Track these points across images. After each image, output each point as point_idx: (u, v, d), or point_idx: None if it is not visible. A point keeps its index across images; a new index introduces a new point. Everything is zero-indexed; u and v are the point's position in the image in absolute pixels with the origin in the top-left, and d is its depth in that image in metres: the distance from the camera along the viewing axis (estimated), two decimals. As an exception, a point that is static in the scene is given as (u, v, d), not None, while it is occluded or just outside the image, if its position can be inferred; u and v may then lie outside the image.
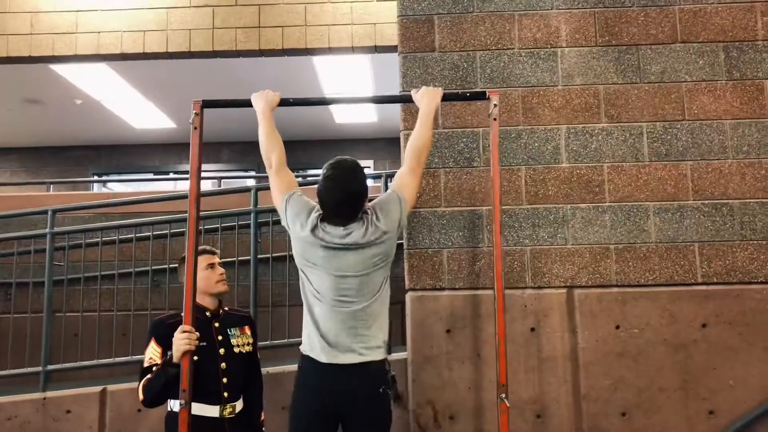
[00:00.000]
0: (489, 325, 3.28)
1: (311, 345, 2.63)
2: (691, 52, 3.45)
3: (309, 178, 9.23)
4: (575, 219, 3.37)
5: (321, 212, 2.64)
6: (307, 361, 2.63)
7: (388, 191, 2.78)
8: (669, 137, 3.40)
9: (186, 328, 2.58)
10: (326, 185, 2.58)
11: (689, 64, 3.44)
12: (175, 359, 2.57)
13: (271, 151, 2.77)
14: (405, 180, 2.76)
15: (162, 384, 2.62)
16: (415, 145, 2.78)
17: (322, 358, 2.58)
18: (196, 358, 2.61)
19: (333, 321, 2.59)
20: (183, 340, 2.55)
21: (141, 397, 2.69)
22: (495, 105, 2.79)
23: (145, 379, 2.68)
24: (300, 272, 2.71)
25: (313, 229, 2.60)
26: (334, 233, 2.59)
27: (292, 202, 2.69)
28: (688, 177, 3.37)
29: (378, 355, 2.61)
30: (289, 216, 2.68)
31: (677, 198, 3.36)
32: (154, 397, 2.67)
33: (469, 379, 3.28)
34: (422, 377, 3.29)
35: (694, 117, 3.41)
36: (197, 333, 2.61)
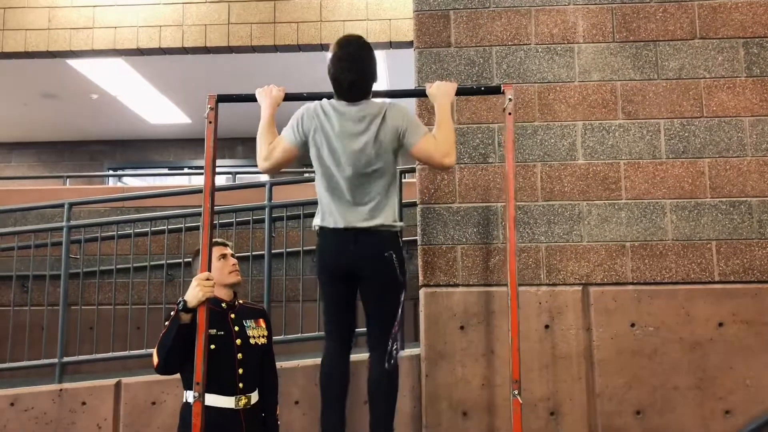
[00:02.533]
0: (503, 321, 3.26)
1: (323, 215, 2.78)
2: (710, 48, 3.41)
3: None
4: (591, 216, 3.34)
5: (322, 102, 2.78)
6: (321, 231, 2.81)
7: (411, 120, 2.81)
8: (687, 134, 3.37)
9: (206, 275, 2.63)
10: (338, 66, 2.72)
11: (708, 60, 3.41)
12: (190, 305, 2.58)
13: (263, 145, 2.82)
14: (426, 143, 2.75)
15: (174, 333, 2.60)
16: (445, 144, 2.76)
17: (333, 224, 2.74)
18: (212, 347, 2.62)
19: (344, 186, 2.72)
20: (203, 282, 2.60)
21: (155, 360, 2.68)
22: (510, 99, 2.77)
23: (159, 338, 2.68)
24: (315, 170, 2.81)
25: (327, 116, 2.74)
26: (347, 111, 2.73)
27: (298, 123, 2.80)
28: (705, 174, 3.34)
29: (387, 219, 2.74)
30: (305, 130, 2.78)
31: (694, 195, 3.33)
32: (167, 352, 2.63)
33: (482, 376, 3.27)
34: (435, 373, 3.29)
35: (712, 114, 3.37)
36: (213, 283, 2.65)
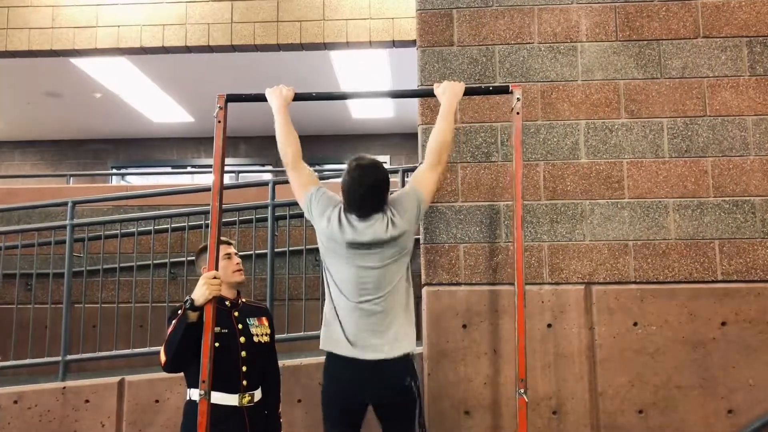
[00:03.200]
0: (506, 320, 3.27)
1: (335, 340, 2.67)
2: (713, 47, 3.41)
3: (325, 173, 9.28)
4: (594, 215, 3.34)
5: (343, 204, 2.70)
6: (331, 356, 2.70)
7: (407, 186, 2.81)
8: (690, 133, 3.37)
9: (213, 273, 2.62)
10: (351, 178, 2.64)
11: (711, 59, 3.40)
12: (198, 303, 2.58)
13: (287, 147, 2.83)
14: (424, 177, 2.80)
15: (182, 332, 2.60)
16: (436, 142, 2.80)
17: (346, 353, 2.63)
18: (216, 344, 2.63)
19: (355, 318, 2.64)
20: (210, 280, 2.59)
21: (162, 358, 2.68)
22: (518, 99, 2.78)
23: (167, 337, 2.69)
24: (323, 263, 2.77)
25: (340, 226, 2.67)
26: (358, 227, 2.65)
27: (318, 199, 2.77)
28: (708, 173, 3.34)
29: (401, 350, 2.64)
30: (315, 213, 2.76)
31: (697, 194, 3.33)
32: (175, 350, 2.63)
33: (485, 375, 3.28)
34: (438, 372, 3.29)
35: (715, 113, 3.37)
36: (220, 282, 2.64)
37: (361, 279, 2.65)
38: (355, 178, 2.63)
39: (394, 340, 2.63)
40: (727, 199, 3.32)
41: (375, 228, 2.64)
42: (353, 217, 2.67)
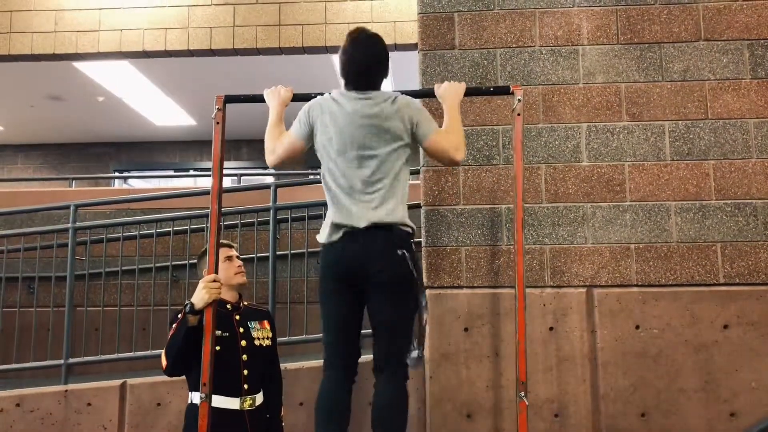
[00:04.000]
0: (507, 323, 3.27)
1: (329, 230, 2.62)
2: (714, 50, 3.41)
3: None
4: (595, 218, 3.34)
5: (344, 80, 2.72)
6: (326, 246, 2.64)
7: (432, 120, 2.75)
8: (691, 136, 3.37)
9: (212, 277, 2.62)
10: (351, 50, 2.69)
11: (713, 62, 3.40)
12: (197, 307, 2.59)
13: (274, 139, 2.77)
14: (439, 137, 2.71)
15: (183, 336, 2.61)
16: (455, 139, 2.73)
17: (339, 220, 2.59)
18: (217, 348, 2.64)
19: (348, 195, 2.61)
20: (210, 284, 2.59)
21: (164, 362, 2.68)
22: (519, 100, 2.78)
23: (167, 341, 2.69)
24: (323, 175, 2.71)
25: (337, 104, 2.67)
26: (356, 101, 2.65)
27: (305, 125, 2.73)
28: (710, 176, 3.34)
29: (392, 217, 2.59)
30: (314, 133, 2.72)
31: (699, 197, 3.33)
32: (176, 354, 2.63)
33: (487, 378, 3.27)
34: (440, 375, 3.29)
35: (717, 116, 3.37)
36: (220, 285, 2.64)
37: (354, 132, 2.62)
38: (354, 49, 2.68)
39: (386, 207, 2.58)
40: (729, 201, 3.31)
41: (371, 103, 2.64)
42: (352, 94, 2.68)
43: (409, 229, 2.65)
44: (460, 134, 2.75)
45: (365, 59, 2.69)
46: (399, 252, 2.56)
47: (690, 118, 3.38)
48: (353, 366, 2.65)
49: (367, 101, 2.66)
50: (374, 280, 2.56)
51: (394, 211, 2.60)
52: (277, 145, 2.75)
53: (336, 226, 2.61)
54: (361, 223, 2.56)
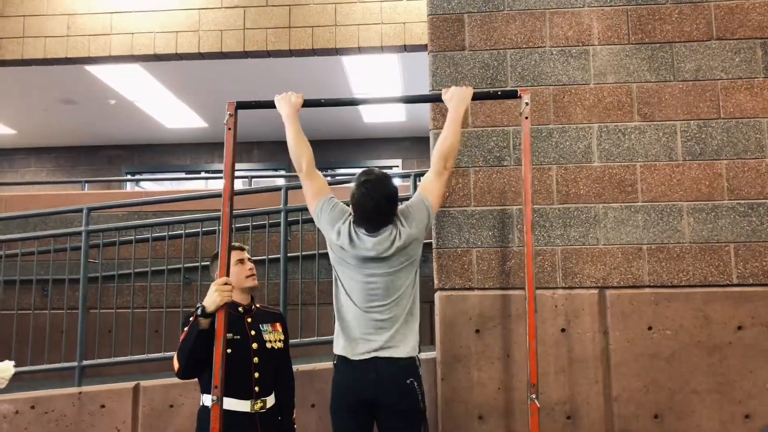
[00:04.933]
0: (519, 325, 3.26)
1: (342, 345, 2.72)
2: (726, 49, 3.39)
3: (337, 177, 9.30)
4: (607, 219, 3.33)
5: (353, 217, 2.73)
6: (340, 359, 2.73)
7: (415, 196, 2.85)
8: (703, 136, 3.35)
9: (224, 280, 2.64)
10: (361, 193, 2.66)
11: (725, 61, 3.38)
12: (209, 310, 2.59)
13: (300, 155, 2.85)
14: (431, 184, 2.83)
15: (194, 339, 2.62)
16: (441, 149, 2.83)
17: (352, 355, 2.67)
18: (229, 351, 2.64)
19: (363, 322, 2.68)
20: (221, 287, 2.61)
21: (176, 366, 2.69)
22: (527, 103, 2.78)
23: (179, 344, 2.70)
24: (333, 271, 2.80)
25: (350, 238, 2.70)
26: (367, 241, 2.68)
27: (327, 209, 2.79)
28: (723, 176, 3.31)
29: (405, 352, 2.67)
30: (324, 222, 2.79)
31: (712, 198, 3.30)
32: (188, 357, 2.64)
33: (498, 380, 3.27)
34: (451, 377, 3.29)
35: (729, 115, 3.35)
36: (232, 287, 2.66)
37: (369, 286, 2.69)
38: (364, 194, 2.65)
39: (398, 343, 2.66)
40: (742, 202, 3.29)
41: (383, 242, 2.67)
42: (362, 231, 2.70)
43: (417, 357, 2.72)
44: (452, 142, 2.82)
45: (375, 208, 2.67)
46: (408, 382, 2.65)
47: (702, 118, 3.36)
48: None
49: (376, 246, 2.68)
50: (385, 411, 2.65)
51: (404, 345, 2.67)
52: (312, 176, 2.85)
53: (347, 357, 2.70)
54: (372, 356, 2.65)
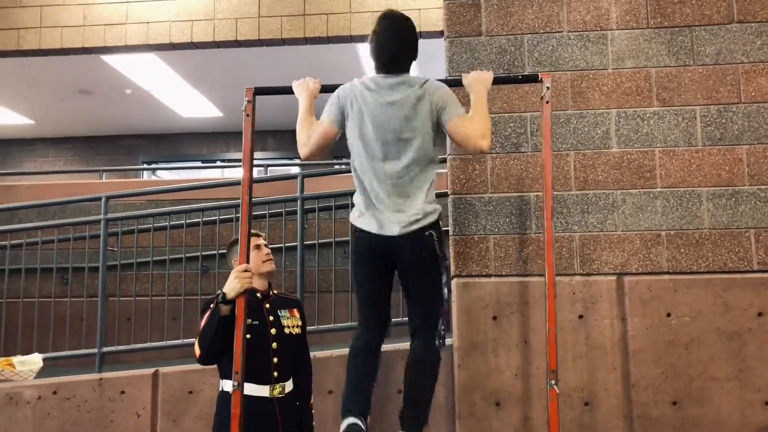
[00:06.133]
0: (536, 312, 3.25)
1: (359, 210, 2.74)
2: (748, 32, 3.34)
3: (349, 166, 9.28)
4: (626, 205, 3.31)
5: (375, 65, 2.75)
6: (357, 224, 2.74)
7: (458, 105, 2.74)
8: (724, 121, 3.31)
9: (244, 266, 2.66)
10: (380, 38, 2.70)
11: (746, 44, 3.33)
12: (229, 296, 2.62)
13: (303, 132, 2.78)
14: (463, 122, 2.69)
15: (215, 325, 2.64)
16: (477, 127, 2.69)
17: (372, 222, 2.68)
18: (248, 336, 2.66)
19: (378, 185, 2.67)
20: (241, 273, 2.64)
21: (197, 352, 2.72)
22: (548, 87, 2.75)
23: (200, 330, 2.73)
24: (352, 162, 2.77)
25: (368, 89, 2.70)
26: (383, 84, 2.69)
27: (337, 109, 2.76)
28: (743, 161, 3.28)
29: (425, 211, 2.67)
30: (335, 115, 2.76)
31: (732, 183, 3.27)
32: (209, 343, 2.67)
33: (516, 366, 3.27)
34: (468, 363, 3.29)
35: (750, 99, 3.31)
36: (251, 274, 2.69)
37: (384, 117, 2.65)
38: (384, 36, 2.69)
39: (416, 205, 2.66)
40: (763, 187, 3.25)
41: (404, 79, 2.69)
42: (380, 77, 2.71)
43: (437, 214, 2.72)
44: (485, 122, 2.70)
45: (394, 43, 2.71)
46: (427, 233, 2.66)
47: (722, 103, 3.32)
48: (385, 322, 2.81)
49: (394, 85, 2.69)
50: (404, 259, 2.68)
51: (423, 203, 2.67)
52: (311, 134, 2.75)
53: (365, 217, 2.71)
54: (392, 225, 2.66)
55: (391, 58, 2.71)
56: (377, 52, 2.73)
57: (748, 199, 3.25)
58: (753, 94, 3.30)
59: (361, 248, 2.75)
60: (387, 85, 2.70)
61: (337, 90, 2.81)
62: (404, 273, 2.73)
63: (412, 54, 2.77)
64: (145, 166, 11.08)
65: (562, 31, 3.43)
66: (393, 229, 2.64)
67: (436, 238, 2.68)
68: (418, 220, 2.65)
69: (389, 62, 2.71)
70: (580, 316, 3.25)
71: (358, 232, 2.74)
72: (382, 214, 2.67)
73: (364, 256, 2.75)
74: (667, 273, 3.25)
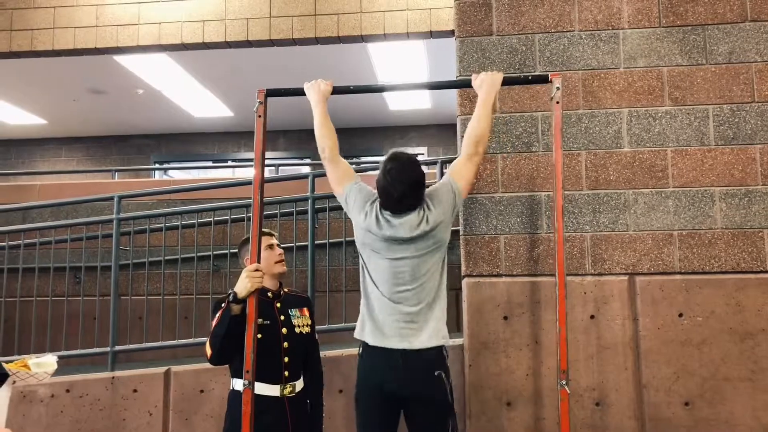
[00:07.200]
0: (547, 312, 3.24)
1: (368, 331, 2.71)
2: (761, 30, 3.31)
3: (362, 165, 9.30)
4: (637, 205, 3.29)
5: (380, 201, 2.72)
6: (365, 347, 2.72)
7: (444, 178, 2.81)
8: (737, 120, 3.29)
9: (255, 266, 2.67)
10: (387, 177, 2.64)
11: (759, 43, 3.31)
12: (240, 296, 2.63)
13: (325, 141, 2.84)
14: (461, 168, 2.79)
15: (227, 325, 2.64)
16: (473, 133, 2.78)
17: (378, 343, 2.66)
18: (259, 336, 2.67)
19: (389, 310, 2.66)
20: (252, 273, 2.64)
21: (209, 352, 2.72)
22: (558, 88, 2.74)
23: (211, 330, 2.74)
24: (360, 257, 2.79)
25: (377, 220, 2.68)
26: (394, 223, 2.66)
27: (354, 194, 2.79)
28: (757, 161, 3.25)
29: (433, 342, 2.64)
30: (352, 207, 2.79)
31: (745, 183, 3.25)
32: (220, 344, 2.67)
33: (527, 366, 3.26)
34: (479, 363, 3.29)
35: (764, 98, 3.28)
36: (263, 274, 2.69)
37: (396, 270, 2.66)
38: (391, 178, 2.63)
39: (426, 332, 2.64)
40: (776, 187, 3.23)
41: (410, 223, 2.65)
42: (388, 214, 2.68)
43: (444, 346, 2.69)
44: (484, 126, 2.76)
45: (401, 187, 2.64)
46: (436, 373, 2.62)
47: (735, 102, 3.30)
48: None
49: (402, 227, 2.66)
50: (412, 402, 2.64)
51: (432, 334, 2.64)
52: (335, 161, 2.83)
53: (371, 346, 2.70)
54: (399, 346, 2.63)
55: (400, 205, 2.66)
56: (386, 200, 2.68)
57: (761, 199, 3.23)
58: (766, 93, 3.28)
59: (366, 381, 2.72)
60: (397, 223, 2.67)
61: (367, 187, 2.81)
62: (411, 415, 2.67)
63: (420, 196, 2.70)
64: (157, 165, 11.14)
65: (573, 31, 3.42)
66: (399, 346, 2.64)
67: (445, 378, 2.64)
68: (429, 341, 2.65)
69: (398, 207, 2.67)
70: (592, 316, 3.24)
71: (363, 350, 2.75)
72: (387, 331, 2.68)
73: (368, 393, 2.71)
74: (679, 273, 3.24)
